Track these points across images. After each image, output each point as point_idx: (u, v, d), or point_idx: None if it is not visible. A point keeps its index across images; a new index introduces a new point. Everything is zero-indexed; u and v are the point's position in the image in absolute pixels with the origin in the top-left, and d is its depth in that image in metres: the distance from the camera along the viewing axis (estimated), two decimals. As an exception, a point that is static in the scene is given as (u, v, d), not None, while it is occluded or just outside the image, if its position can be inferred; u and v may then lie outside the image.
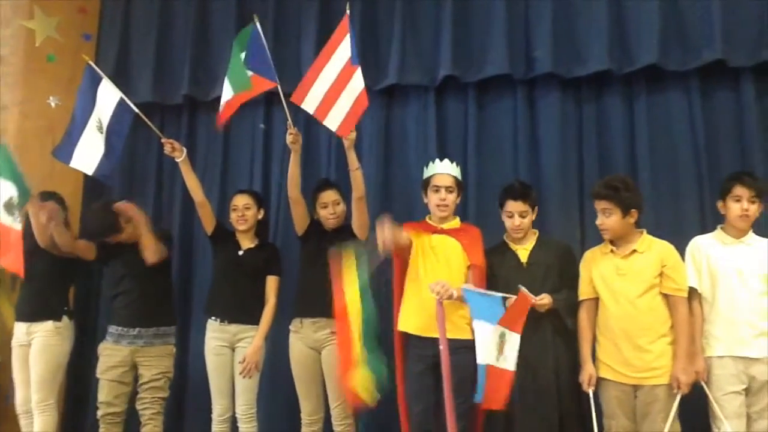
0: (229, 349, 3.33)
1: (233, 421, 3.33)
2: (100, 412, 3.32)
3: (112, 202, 3.43)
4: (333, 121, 3.09)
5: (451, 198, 3.06)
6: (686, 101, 3.58)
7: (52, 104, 4.19)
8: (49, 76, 4.24)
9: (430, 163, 3.14)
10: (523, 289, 2.65)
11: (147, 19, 4.34)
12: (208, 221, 3.45)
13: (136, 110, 3.33)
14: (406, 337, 2.99)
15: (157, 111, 4.14)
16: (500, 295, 2.69)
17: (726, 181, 2.89)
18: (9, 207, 3.40)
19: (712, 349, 2.76)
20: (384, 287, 3.15)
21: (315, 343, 3.20)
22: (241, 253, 3.42)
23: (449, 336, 2.64)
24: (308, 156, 3.73)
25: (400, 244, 2.92)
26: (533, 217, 3.04)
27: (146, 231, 3.34)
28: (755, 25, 3.45)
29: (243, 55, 3.23)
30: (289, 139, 3.17)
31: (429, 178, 3.08)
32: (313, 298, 3.15)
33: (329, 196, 3.29)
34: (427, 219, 3.13)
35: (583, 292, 2.90)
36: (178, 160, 3.36)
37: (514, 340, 2.62)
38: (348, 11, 3.13)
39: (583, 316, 2.88)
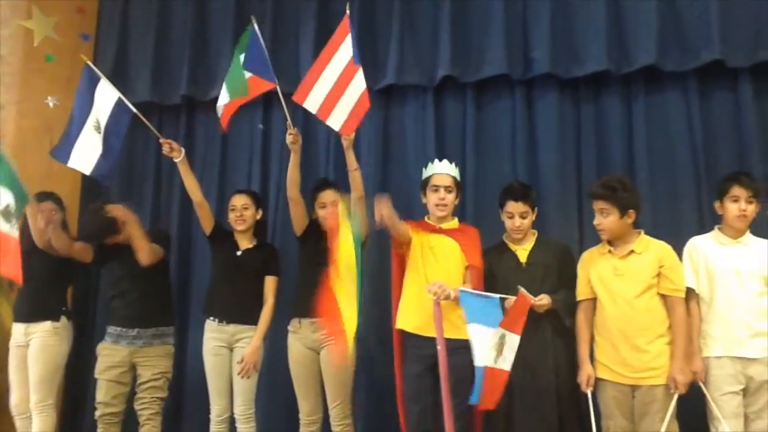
0: (228, 350, 3.33)
1: (231, 421, 3.33)
2: (98, 413, 3.32)
3: (108, 204, 3.43)
4: (335, 121, 3.09)
5: (450, 198, 3.06)
6: (684, 102, 3.59)
7: (50, 104, 4.19)
8: (47, 76, 4.24)
9: (429, 163, 3.14)
10: (523, 290, 2.65)
11: (145, 19, 4.33)
12: (206, 221, 3.44)
13: (135, 110, 3.32)
14: (405, 335, 2.99)
15: (155, 111, 4.13)
16: (497, 296, 2.68)
17: (723, 181, 2.89)
18: (6, 214, 3.38)
19: (709, 349, 2.76)
20: (384, 287, 3.15)
21: (313, 344, 3.20)
22: (239, 253, 3.42)
23: (447, 336, 2.63)
24: (307, 156, 3.73)
25: (397, 229, 2.92)
26: (533, 218, 3.05)
27: (138, 233, 3.33)
28: (753, 26, 3.45)
29: (242, 57, 3.23)
30: (289, 139, 3.17)
31: (428, 178, 3.08)
32: (312, 299, 3.13)
33: (328, 195, 3.29)
34: (426, 219, 3.13)
35: (581, 292, 2.90)
36: (176, 161, 3.35)
37: (513, 341, 2.61)
38: (348, 11, 3.13)
39: (581, 316, 2.88)
